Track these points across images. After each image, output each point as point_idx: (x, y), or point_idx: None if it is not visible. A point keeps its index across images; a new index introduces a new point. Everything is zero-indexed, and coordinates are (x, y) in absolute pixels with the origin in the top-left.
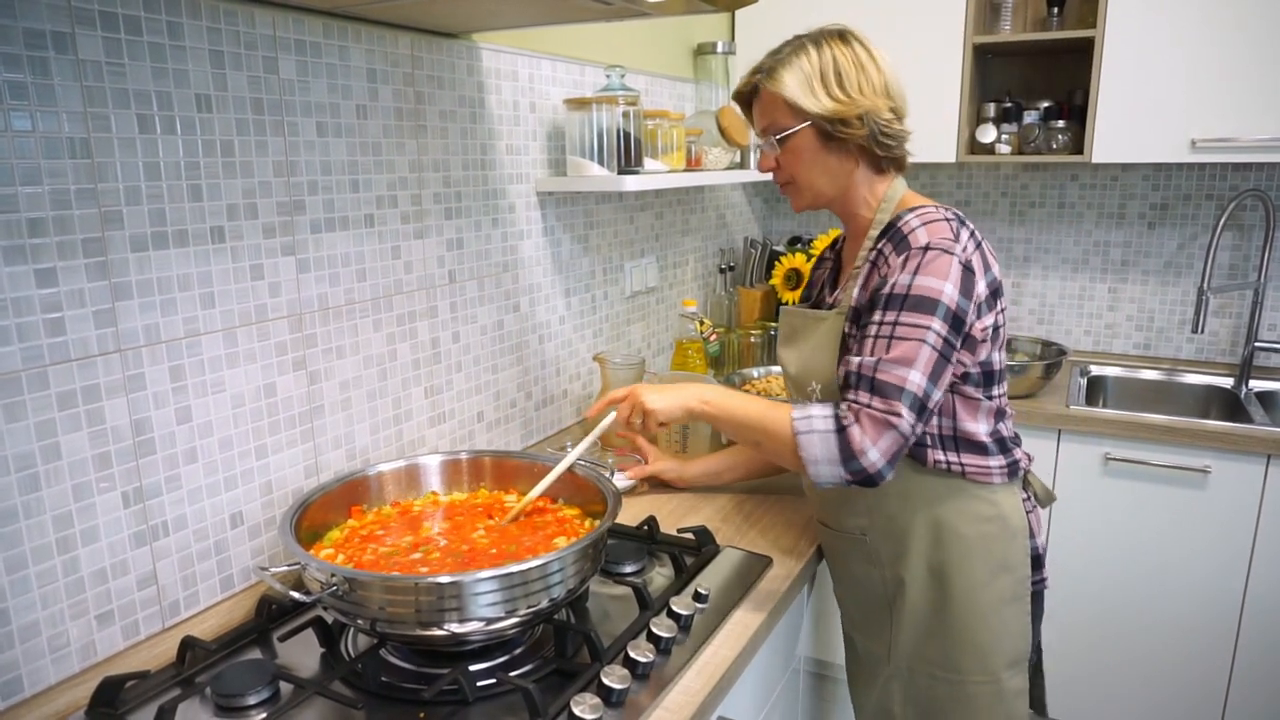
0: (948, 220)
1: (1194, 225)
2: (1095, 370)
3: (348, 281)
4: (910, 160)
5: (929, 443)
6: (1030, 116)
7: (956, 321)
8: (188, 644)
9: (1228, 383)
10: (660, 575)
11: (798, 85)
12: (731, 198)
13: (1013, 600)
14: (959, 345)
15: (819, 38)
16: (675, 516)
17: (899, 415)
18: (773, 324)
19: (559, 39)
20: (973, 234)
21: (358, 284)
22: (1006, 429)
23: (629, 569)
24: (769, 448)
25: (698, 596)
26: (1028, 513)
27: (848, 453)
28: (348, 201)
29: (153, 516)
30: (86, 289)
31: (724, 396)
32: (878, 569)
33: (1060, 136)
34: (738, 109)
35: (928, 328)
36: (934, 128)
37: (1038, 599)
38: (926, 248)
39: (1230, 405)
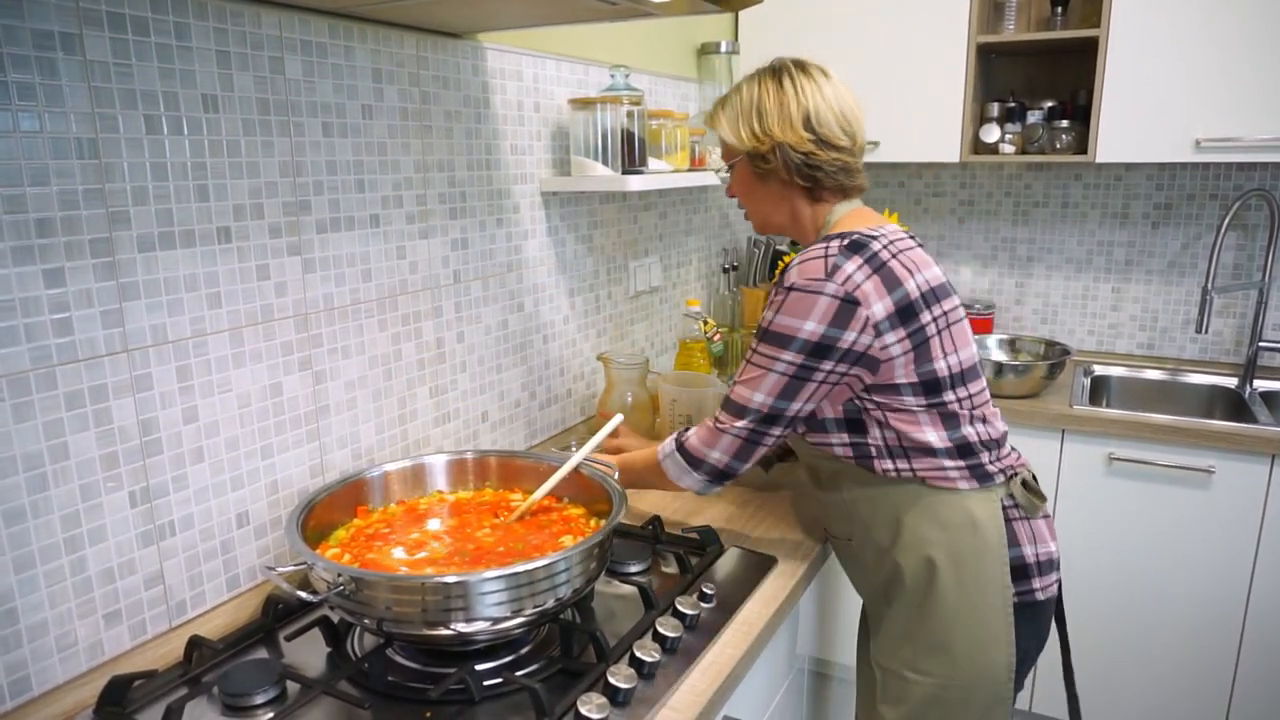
0: (826, 258)
1: (1198, 225)
2: (1099, 370)
3: (353, 281)
4: (862, 182)
5: (873, 454)
6: (1034, 116)
7: (819, 349)
8: (194, 643)
9: (1232, 383)
10: (665, 575)
11: (729, 123)
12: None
13: (989, 610)
14: (831, 367)
15: (761, 74)
16: (680, 516)
17: (728, 425)
18: None
19: (563, 39)
20: (869, 260)
21: (363, 284)
22: (976, 434)
23: (634, 568)
24: (663, 486)
25: (703, 596)
26: (1011, 521)
27: (692, 460)
28: (353, 202)
29: (159, 516)
30: (94, 289)
31: (627, 467)
32: (866, 572)
33: (1064, 136)
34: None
35: (776, 358)
36: (937, 127)
37: (1030, 609)
38: (791, 289)
39: (1234, 405)
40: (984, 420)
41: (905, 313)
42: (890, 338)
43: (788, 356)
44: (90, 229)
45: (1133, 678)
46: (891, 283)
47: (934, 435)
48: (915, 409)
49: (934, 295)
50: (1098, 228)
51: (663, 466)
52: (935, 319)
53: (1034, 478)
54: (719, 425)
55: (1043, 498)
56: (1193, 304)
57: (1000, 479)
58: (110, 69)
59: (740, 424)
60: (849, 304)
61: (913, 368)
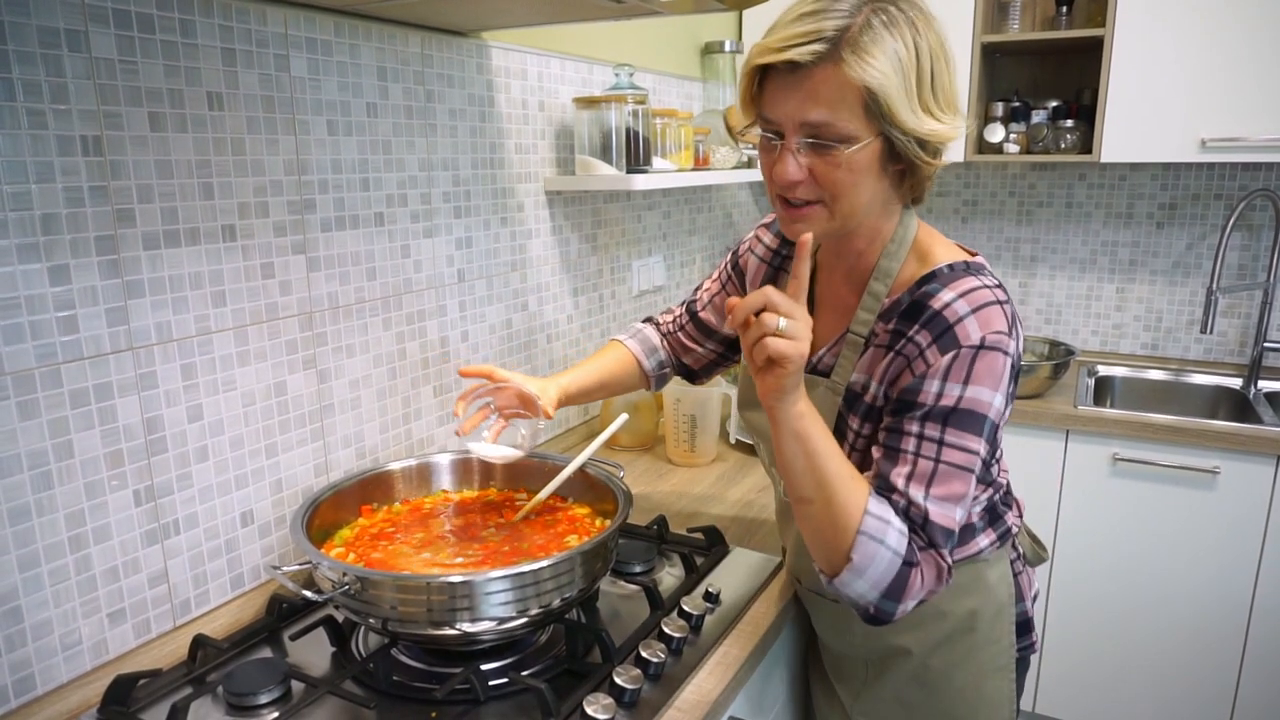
0: (1000, 304)
1: (1203, 225)
2: (1103, 370)
3: (358, 280)
4: None
5: None
6: (1038, 116)
7: (994, 433)
8: (199, 642)
9: (1236, 383)
10: (670, 575)
11: (895, 81)
12: (738, 197)
13: (994, 671)
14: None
15: (904, 8)
16: (684, 516)
17: (945, 564)
18: None
19: (568, 38)
20: (1010, 299)
21: (368, 283)
22: (998, 492)
23: (639, 568)
24: (818, 518)
25: (708, 596)
26: (1016, 575)
27: (897, 591)
28: (358, 200)
29: (164, 515)
30: (99, 287)
31: (815, 427)
32: (852, 639)
33: (1068, 136)
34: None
35: (975, 452)
36: None
37: (1025, 663)
38: (980, 346)
39: (1239, 406)
40: (1003, 471)
41: (1017, 375)
42: (1008, 410)
43: (982, 450)
44: (95, 226)
45: (1136, 679)
46: (1020, 339)
47: (976, 510)
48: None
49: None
50: (1102, 228)
51: (858, 539)
52: None
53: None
54: (938, 562)
55: (1043, 545)
56: (1197, 304)
57: (1011, 536)
58: (115, 66)
59: (949, 558)
60: (1015, 371)
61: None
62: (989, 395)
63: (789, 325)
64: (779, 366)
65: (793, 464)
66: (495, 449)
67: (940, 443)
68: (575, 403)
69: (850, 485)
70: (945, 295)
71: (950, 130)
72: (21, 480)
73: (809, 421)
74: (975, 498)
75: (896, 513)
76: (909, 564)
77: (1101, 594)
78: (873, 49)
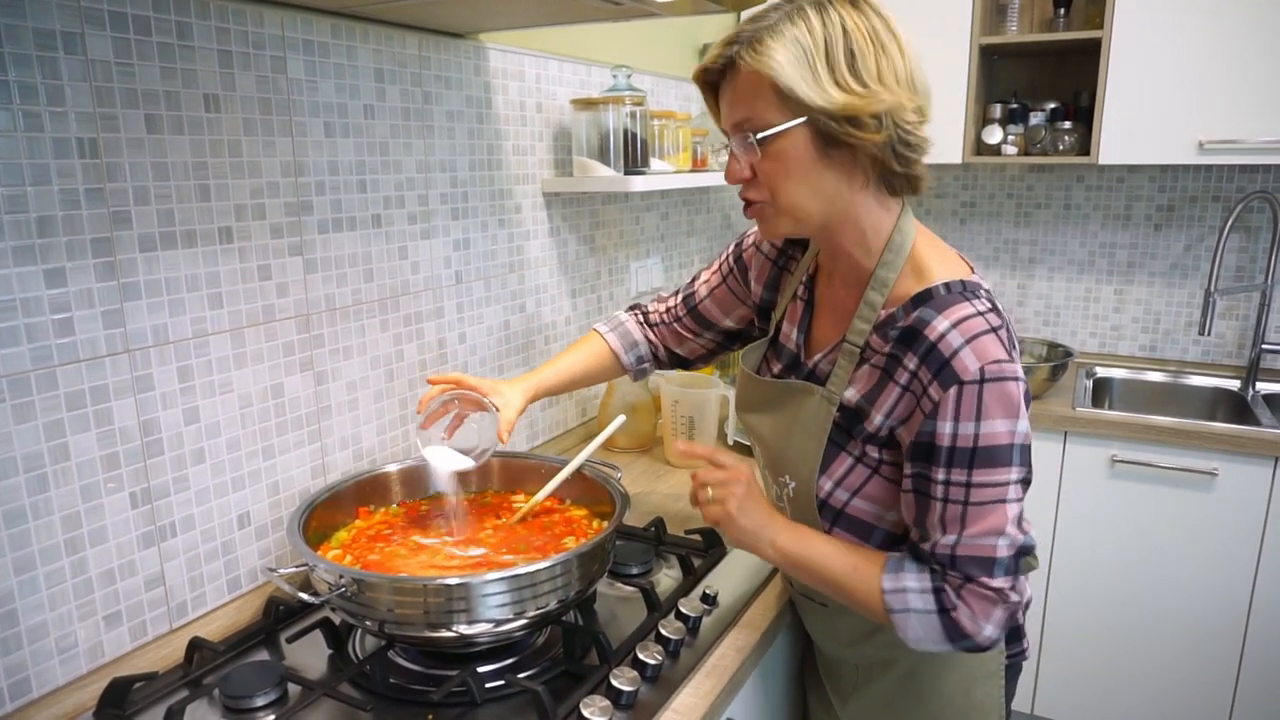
0: (994, 330)
1: (1200, 227)
2: (1101, 372)
3: (355, 282)
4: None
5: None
6: (1036, 118)
7: (1027, 452)
8: (195, 645)
9: (1234, 385)
10: (668, 577)
11: (793, 65)
12: (736, 198)
13: (984, 677)
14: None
15: (821, 1)
16: (682, 517)
17: (1003, 590)
18: None
19: (565, 39)
20: (1006, 322)
21: (365, 284)
22: None
23: (636, 570)
24: (859, 611)
25: (706, 598)
26: None
27: (957, 634)
28: (355, 202)
29: (160, 517)
30: (95, 289)
31: (800, 544)
32: (837, 641)
33: (1066, 138)
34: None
35: (1005, 483)
36: (940, 129)
37: (1014, 670)
38: (981, 379)
39: (1237, 408)
40: None
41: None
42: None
43: (1015, 475)
44: (91, 229)
45: (1135, 681)
46: (1018, 360)
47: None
48: None
49: None
50: (1100, 229)
51: (893, 619)
52: None
53: None
54: (987, 589)
55: (1035, 556)
56: (1195, 306)
57: None
58: (112, 68)
59: (1005, 580)
60: (1025, 385)
61: None
62: (1006, 425)
63: (714, 493)
64: (723, 524)
65: (803, 580)
66: (448, 458)
67: (967, 485)
68: (547, 397)
69: (859, 574)
70: (939, 325)
71: (861, 100)
72: (17, 483)
73: (789, 549)
74: (1022, 516)
75: (922, 561)
76: (945, 610)
77: (1099, 595)
78: (768, 40)
